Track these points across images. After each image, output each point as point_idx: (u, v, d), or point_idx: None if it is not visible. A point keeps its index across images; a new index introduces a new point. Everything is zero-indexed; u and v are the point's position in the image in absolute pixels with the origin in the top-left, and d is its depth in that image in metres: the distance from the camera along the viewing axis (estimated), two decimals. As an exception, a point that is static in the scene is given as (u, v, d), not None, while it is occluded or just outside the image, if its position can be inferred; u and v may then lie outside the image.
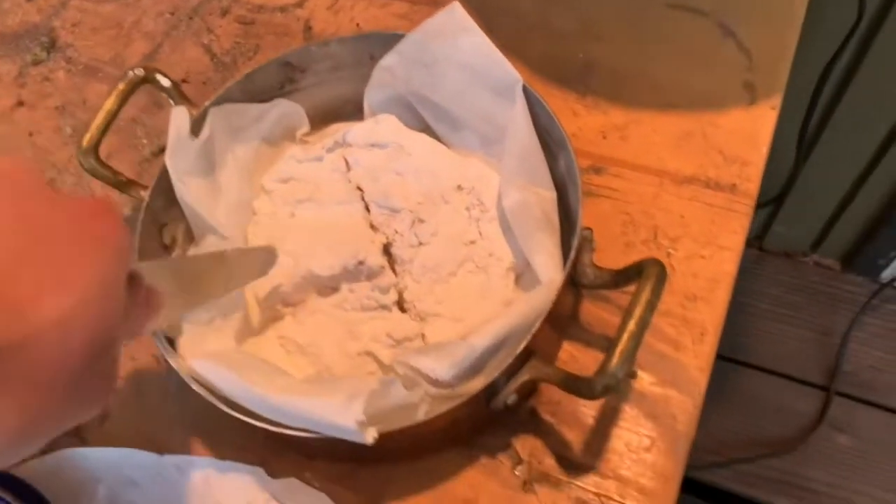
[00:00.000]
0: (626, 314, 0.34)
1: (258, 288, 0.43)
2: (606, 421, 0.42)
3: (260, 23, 0.58)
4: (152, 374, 0.46)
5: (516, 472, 0.41)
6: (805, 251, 1.21)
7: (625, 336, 0.33)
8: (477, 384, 0.36)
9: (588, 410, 0.42)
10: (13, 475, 0.40)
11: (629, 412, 0.42)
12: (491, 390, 0.36)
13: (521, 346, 0.36)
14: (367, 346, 0.41)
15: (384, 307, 0.42)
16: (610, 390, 0.33)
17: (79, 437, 0.45)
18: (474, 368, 0.37)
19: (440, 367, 0.35)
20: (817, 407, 1.12)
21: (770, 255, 1.23)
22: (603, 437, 0.41)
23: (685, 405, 0.42)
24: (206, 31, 0.58)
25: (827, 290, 1.20)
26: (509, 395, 0.37)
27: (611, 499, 0.40)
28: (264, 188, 0.47)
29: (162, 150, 0.54)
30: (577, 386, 0.35)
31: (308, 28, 0.57)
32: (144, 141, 0.53)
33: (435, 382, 0.36)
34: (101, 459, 0.42)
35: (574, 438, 0.42)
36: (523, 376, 0.37)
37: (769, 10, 0.52)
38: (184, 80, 0.56)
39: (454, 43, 0.42)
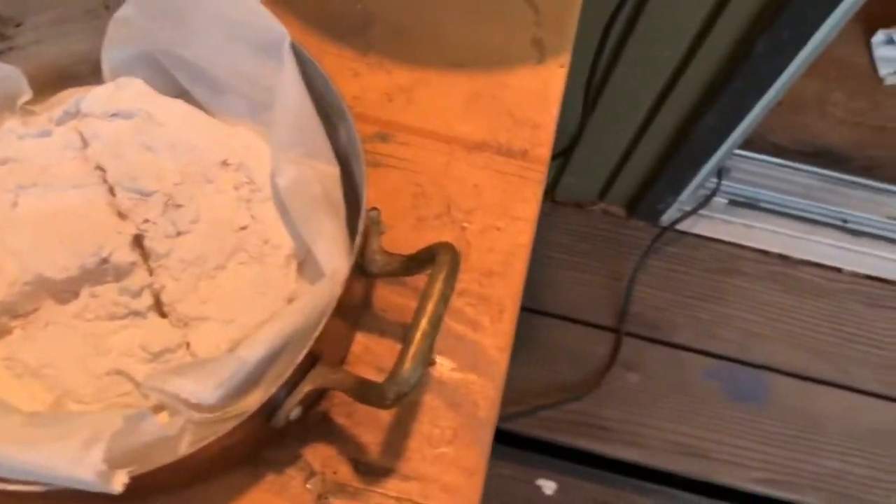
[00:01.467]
0: (418, 310, 0.30)
1: None
2: (405, 416, 0.38)
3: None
4: None
5: (308, 487, 0.36)
6: (593, 200, 1.26)
7: (417, 335, 0.29)
8: (252, 402, 0.31)
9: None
10: None
11: (429, 403, 0.39)
12: (270, 407, 0.31)
13: (304, 353, 0.31)
14: (118, 363, 0.34)
15: (137, 313, 0.36)
16: (403, 397, 0.29)
17: None
18: (247, 384, 0.31)
19: (203, 388, 0.30)
20: (609, 349, 1.18)
21: (561, 206, 1.27)
22: (402, 435, 0.38)
23: (486, 390, 0.39)
24: None
25: (614, 236, 1.26)
26: (292, 410, 0.32)
27: (413, 501, 0.36)
28: (-25, 172, 0.38)
29: None
30: (367, 394, 0.31)
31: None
32: None
33: (198, 407, 0.30)
34: None
35: (371, 440, 0.38)
36: (307, 386, 0.32)
37: (554, -38, 0.50)
38: None
39: (203, -11, 0.35)
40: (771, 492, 1.13)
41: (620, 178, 1.17)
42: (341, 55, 0.46)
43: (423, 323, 0.29)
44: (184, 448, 0.30)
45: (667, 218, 1.23)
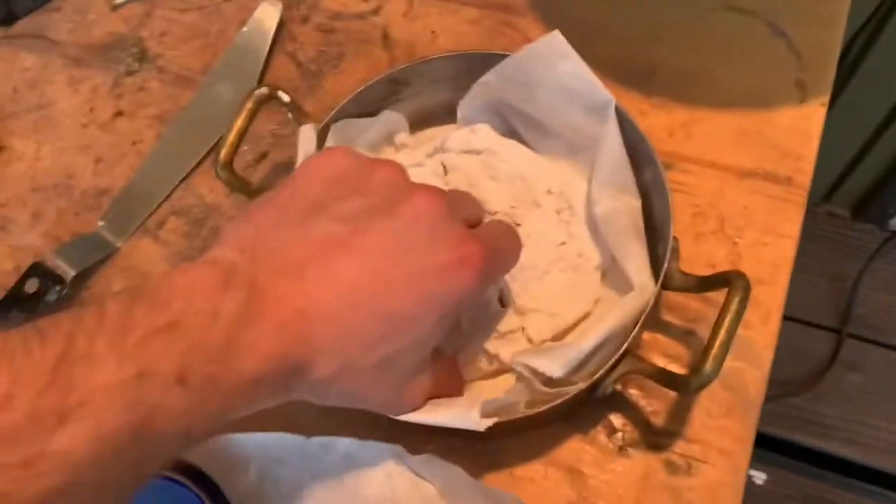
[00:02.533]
0: (717, 323, 0.40)
1: None
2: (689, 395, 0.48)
3: (339, 30, 0.62)
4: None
5: (612, 440, 0.48)
6: (817, 202, 1.27)
7: (717, 343, 0.39)
8: (582, 382, 0.42)
9: (671, 385, 0.48)
10: (190, 463, 0.46)
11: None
12: (595, 384, 0.43)
13: (623, 348, 0.42)
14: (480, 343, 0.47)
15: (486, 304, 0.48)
16: (702, 388, 0.40)
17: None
18: (581, 366, 0.43)
19: (553, 367, 0.42)
20: (831, 349, 1.20)
21: (784, 206, 1.29)
22: (685, 408, 0.48)
23: (755, 377, 0.48)
24: (289, 40, 0.62)
25: (838, 238, 1.27)
26: (609, 387, 0.43)
27: (695, 459, 0.46)
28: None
29: (263, 155, 0.59)
30: (674, 383, 0.41)
31: (385, 36, 0.61)
32: (245, 147, 0.58)
33: (547, 381, 0.42)
34: (252, 442, 0.49)
35: (660, 409, 0.48)
36: (621, 370, 0.43)
37: (816, 11, 0.57)
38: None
39: (552, 66, 0.46)
40: None
41: (849, 180, 1.18)
42: (631, 98, 0.56)
43: (722, 333, 0.39)
44: (522, 406, 0.42)
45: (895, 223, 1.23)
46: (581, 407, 0.48)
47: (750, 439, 0.47)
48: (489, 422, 0.41)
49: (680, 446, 0.47)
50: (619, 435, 0.48)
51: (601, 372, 0.42)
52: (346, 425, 0.49)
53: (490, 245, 0.37)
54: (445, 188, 0.52)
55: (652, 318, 0.50)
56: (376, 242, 0.34)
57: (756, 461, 1.24)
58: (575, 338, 0.47)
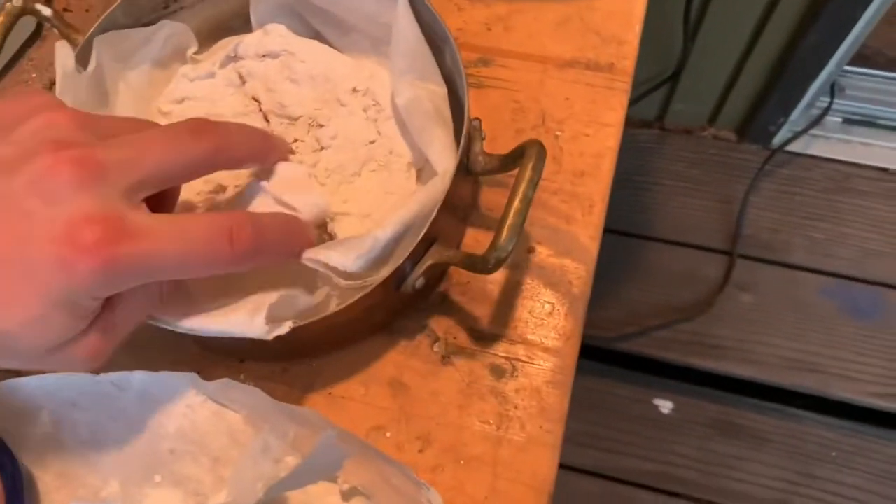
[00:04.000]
0: (512, 193, 0.37)
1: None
2: (511, 294, 0.46)
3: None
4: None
5: (434, 349, 0.45)
6: (703, 125, 1.27)
7: (511, 213, 0.36)
8: (384, 272, 0.39)
9: (494, 287, 0.46)
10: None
11: (530, 284, 0.46)
12: (398, 277, 0.39)
13: (422, 233, 0.39)
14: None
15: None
16: (501, 263, 0.37)
17: (12, 370, 0.47)
18: (381, 259, 0.40)
19: (347, 259, 0.38)
20: (722, 271, 1.20)
21: (671, 133, 1.29)
22: (509, 309, 0.45)
23: (579, 271, 0.46)
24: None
25: (725, 160, 1.27)
26: (417, 280, 0.40)
27: (520, 360, 0.44)
28: (161, 110, 0.48)
29: (53, 83, 0.53)
30: (473, 263, 0.38)
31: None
32: (34, 75, 0.53)
33: (343, 274, 0.38)
34: (39, 387, 0.44)
35: (483, 313, 0.45)
36: (427, 261, 0.40)
37: None
38: (65, 9, 0.55)
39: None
40: (890, 405, 1.13)
41: (729, 101, 1.18)
42: (446, -7, 0.53)
43: (516, 202, 0.36)
44: (332, 307, 0.38)
45: (778, 140, 1.23)
46: (400, 316, 0.45)
47: (577, 336, 0.45)
48: (281, 328, 0.37)
49: (504, 349, 0.45)
50: (442, 343, 0.45)
51: (402, 259, 0.38)
52: (148, 361, 0.45)
53: (147, 247, 0.29)
54: (244, 97, 0.48)
55: (474, 213, 0.47)
56: None
57: (661, 390, 1.25)
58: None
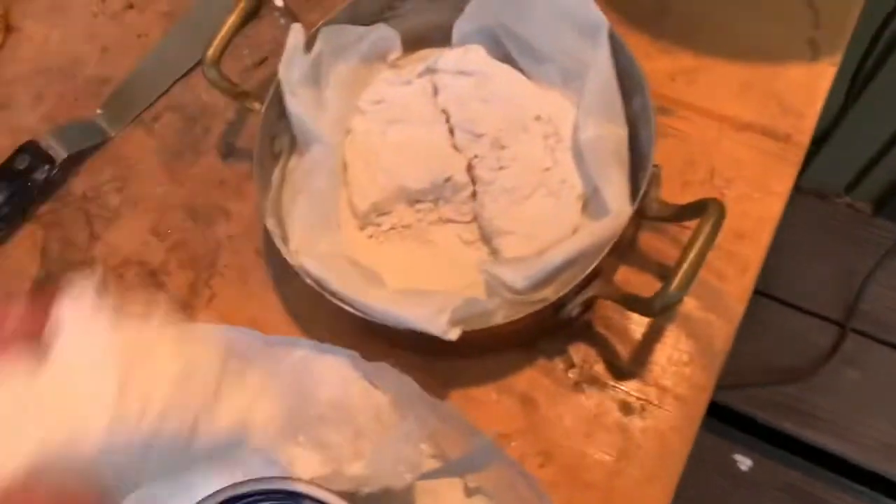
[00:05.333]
0: (688, 245, 0.39)
1: (358, 201, 0.48)
2: (652, 338, 0.48)
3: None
4: (255, 266, 0.52)
5: (569, 374, 0.47)
6: (839, 192, 1.24)
7: (685, 264, 0.38)
8: (549, 294, 0.42)
9: (636, 328, 0.48)
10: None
11: (673, 331, 0.48)
12: (560, 302, 0.42)
13: (592, 266, 0.41)
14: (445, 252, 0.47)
15: (462, 221, 0.48)
16: (667, 310, 0.39)
17: (186, 313, 0.52)
18: (545, 281, 0.43)
19: (517, 277, 0.41)
20: (832, 341, 1.18)
21: (804, 194, 1.27)
22: (647, 351, 0.47)
23: (723, 329, 0.47)
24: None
25: (856, 231, 1.24)
26: (575, 308, 0.43)
27: (650, 402, 0.46)
28: (359, 108, 0.52)
29: (262, 60, 0.59)
30: (636, 304, 0.41)
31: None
32: (245, 52, 0.58)
33: (511, 290, 0.42)
34: (211, 336, 0.49)
35: (622, 350, 0.48)
36: (589, 292, 0.42)
37: (841, -31, 0.55)
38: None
39: (546, -17, 0.46)
40: None
41: (872, 173, 1.15)
42: (638, 38, 0.55)
43: (692, 255, 0.38)
44: (499, 319, 0.42)
45: (917, 221, 1.19)
46: (544, 336, 0.48)
47: (709, 390, 0.47)
48: (457, 331, 0.40)
49: (637, 388, 0.47)
50: (577, 370, 0.47)
51: (568, 288, 0.41)
52: (309, 331, 0.50)
53: None
54: (434, 108, 0.51)
55: (630, 252, 0.49)
56: None
57: (743, 447, 1.23)
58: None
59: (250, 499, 0.37)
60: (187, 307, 0.52)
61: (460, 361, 0.48)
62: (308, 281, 0.43)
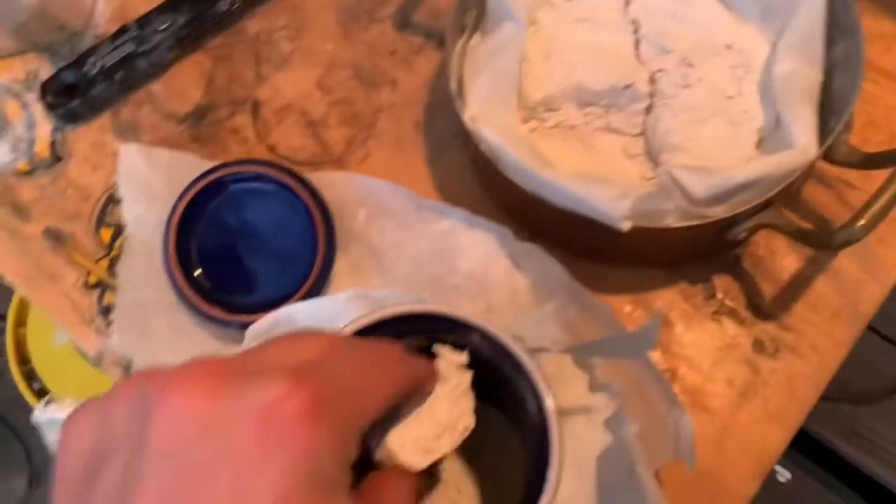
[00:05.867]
0: (881, 188, 0.38)
1: (531, 91, 0.48)
2: (799, 285, 0.47)
3: None
4: (411, 138, 0.53)
5: (709, 303, 0.47)
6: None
7: (876, 204, 0.38)
8: (720, 211, 0.42)
9: (784, 272, 0.47)
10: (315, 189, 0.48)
11: (821, 283, 0.47)
12: (731, 222, 0.42)
13: (771, 193, 0.41)
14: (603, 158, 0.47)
15: (632, 134, 0.48)
16: (846, 245, 0.39)
17: (339, 167, 0.53)
18: (720, 198, 0.42)
19: (699, 185, 0.41)
20: (907, 373, 1.15)
21: None
22: (792, 297, 0.47)
23: (874, 292, 0.47)
24: None
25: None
26: (742, 232, 0.43)
27: (786, 345, 0.46)
28: (550, 2, 0.51)
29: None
30: (813, 237, 0.40)
31: None
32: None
33: (688, 197, 0.41)
34: (366, 186, 0.50)
35: (766, 290, 0.47)
36: (763, 218, 0.42)
37: None
38: None
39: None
40: None
41: None
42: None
43: (884, 198, 0.38)
44: (669, 221, 0.41)
45: None
46: (693, 260, 0.48)
47: (846, 348, 0.46)
48: (629, 223, 0.40)
49: (774, 330, 0.46)
50: (717, 301, 0.47)
51: (744, 208, 0.41)
52: (460, 201, 0.50)
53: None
54: (624, 17, 0.50)
55: (794, 200, 0.48)
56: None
57: (786, 458, 1.21)
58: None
59: (403, 325, 0.35)
60: (340, 163, 0.52)
61: (602, 267, 0.48)
62: (482, 147, 0.43)
